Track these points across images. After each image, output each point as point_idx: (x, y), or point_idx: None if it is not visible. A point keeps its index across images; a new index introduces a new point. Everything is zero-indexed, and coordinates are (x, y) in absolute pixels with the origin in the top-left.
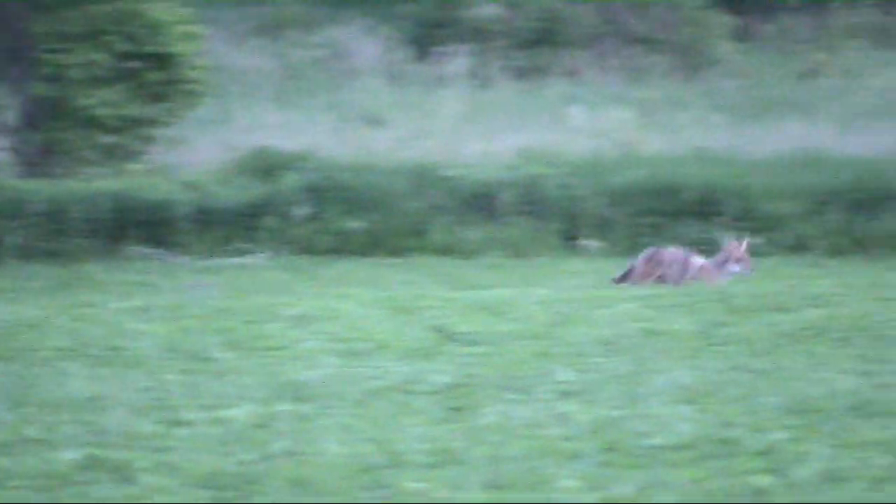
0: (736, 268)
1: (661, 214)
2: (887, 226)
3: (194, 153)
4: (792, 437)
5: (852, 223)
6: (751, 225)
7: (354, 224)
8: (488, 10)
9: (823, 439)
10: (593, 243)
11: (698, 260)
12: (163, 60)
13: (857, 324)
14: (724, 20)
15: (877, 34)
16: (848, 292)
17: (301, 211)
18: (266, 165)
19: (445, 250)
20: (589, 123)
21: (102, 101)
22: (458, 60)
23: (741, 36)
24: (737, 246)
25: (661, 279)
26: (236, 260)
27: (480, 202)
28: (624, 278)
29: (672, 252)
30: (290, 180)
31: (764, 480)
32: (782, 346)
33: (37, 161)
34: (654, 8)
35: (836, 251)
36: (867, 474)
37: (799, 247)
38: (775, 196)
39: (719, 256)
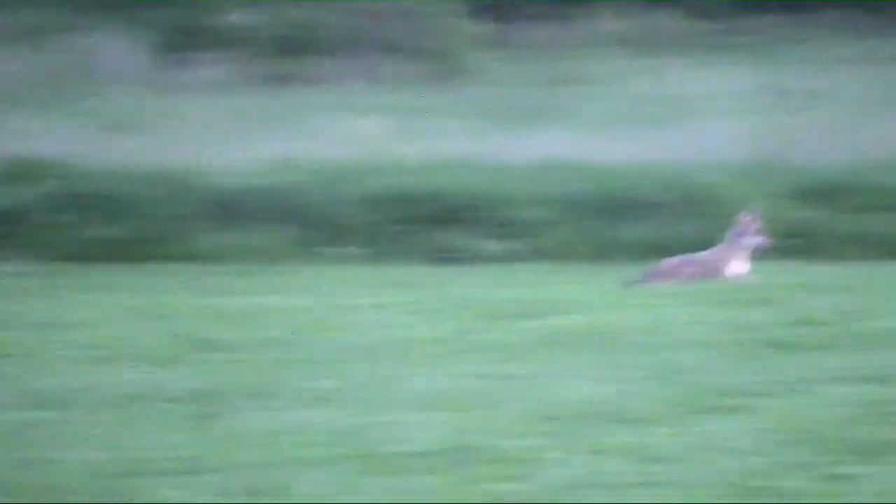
0: (755, 240)
1: (414, 221)
2: (639, 233)
3: None
4: (538, 443)
5: (605, 230)
6: (505, 231)
7: (106, 231)
8: (240, 17)
9: (569, 445)
10: (346, 250)
11: (701, 253)
12: None
13: (604, 330)
14: (478, 28)
15: (633, 41)
16: (590, 299)
17: (53, 218)
18: (18, 172)
19: (197, 257)
20: (342, 131)
21: None
22: (210, 67)
23: (497, 43)
24: (751, 219)
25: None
26: None
27: (232, 209)
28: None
29: (674, 260)
30: (43, 187)
31: (509, 487)
32: (528, 353)
33: None
34: (408, 15)
35: (588, 257)
36: (611, 480)
37: (551, 253)
38: (529, 203)
39: (733, 233)
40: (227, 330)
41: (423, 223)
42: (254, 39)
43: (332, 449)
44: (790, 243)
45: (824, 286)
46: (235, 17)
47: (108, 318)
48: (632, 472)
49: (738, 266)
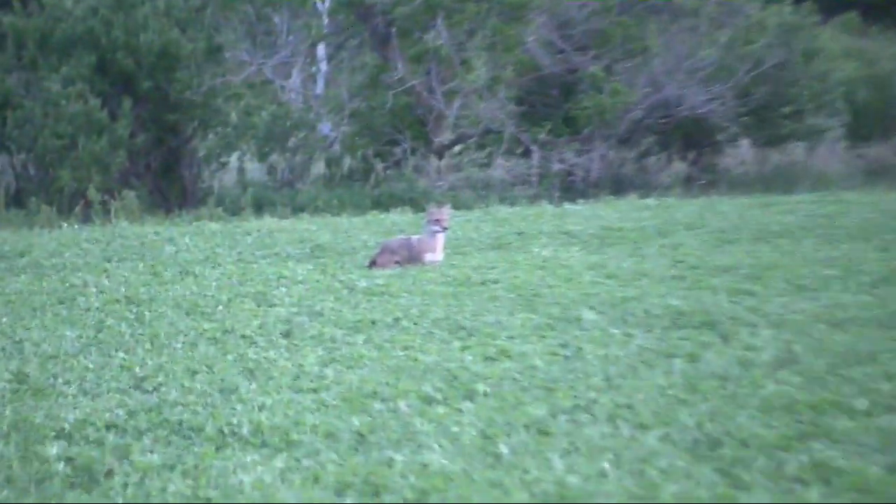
0: (435, 227)
1: None
2: None
3: None
4: None
5: None
6: None
7: None
8: None
9: None
10: None
11: (415, 237)
12: None
13: None
14: None
15: None
16: None
17: None
18: None
19: None
20: None
21: None
22: None
23: None
24: (436, 210)
25: (401, 263)
26: None
27: None
28: (373, 264)
29: (397, 240)
30: None
31: None
32: None
33: None
34: None
35: None
36: None
37: None
38: None
39: (425, 221)
40: None
41: None
42: None
43: None
44: None
45: None
46: None
47: None
48: None
49: (433, 255)
